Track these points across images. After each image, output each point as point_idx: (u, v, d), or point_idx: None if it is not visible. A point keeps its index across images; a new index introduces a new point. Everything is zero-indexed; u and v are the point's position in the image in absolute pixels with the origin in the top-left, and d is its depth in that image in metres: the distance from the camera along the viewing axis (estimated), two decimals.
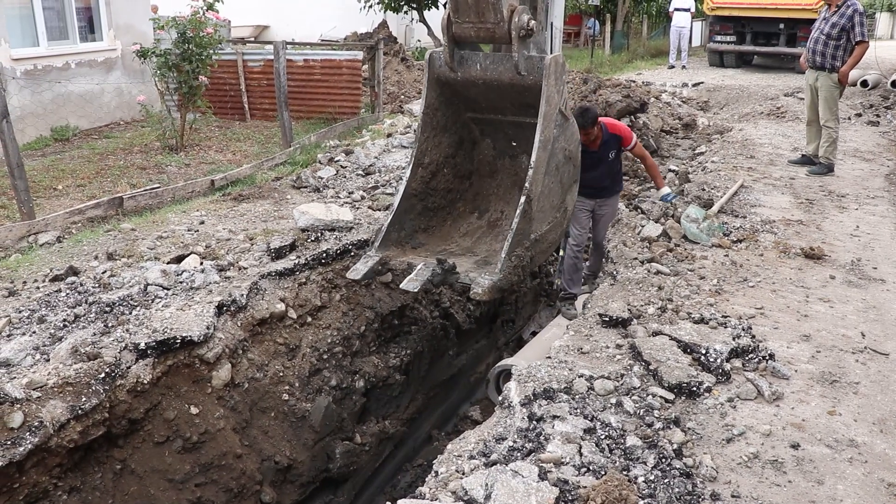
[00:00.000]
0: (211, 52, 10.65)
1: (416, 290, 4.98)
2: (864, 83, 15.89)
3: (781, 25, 19.09)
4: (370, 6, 20.85)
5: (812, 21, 16.88)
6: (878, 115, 12.79)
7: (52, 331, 4.50)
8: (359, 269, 5.20)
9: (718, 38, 20.46)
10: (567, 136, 5.28)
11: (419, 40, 24.46)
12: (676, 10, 21.01)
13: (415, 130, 5.63)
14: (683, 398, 3.76)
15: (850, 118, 12.33)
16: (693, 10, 21.22)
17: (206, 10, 10.44)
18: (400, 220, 5.50)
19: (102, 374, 4.07)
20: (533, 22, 4.80)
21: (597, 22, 29.63)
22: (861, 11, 8.16)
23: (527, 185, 4.97)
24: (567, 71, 5.35)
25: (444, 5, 5.25)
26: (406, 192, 5.48)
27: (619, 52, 26.10)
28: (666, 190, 6.53)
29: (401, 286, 5.04)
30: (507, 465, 3.03)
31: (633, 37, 30.57)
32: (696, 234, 6.04)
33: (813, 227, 6.54)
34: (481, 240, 5.85)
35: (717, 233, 6.14)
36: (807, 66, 8.72)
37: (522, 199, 4.97)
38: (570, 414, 3.47)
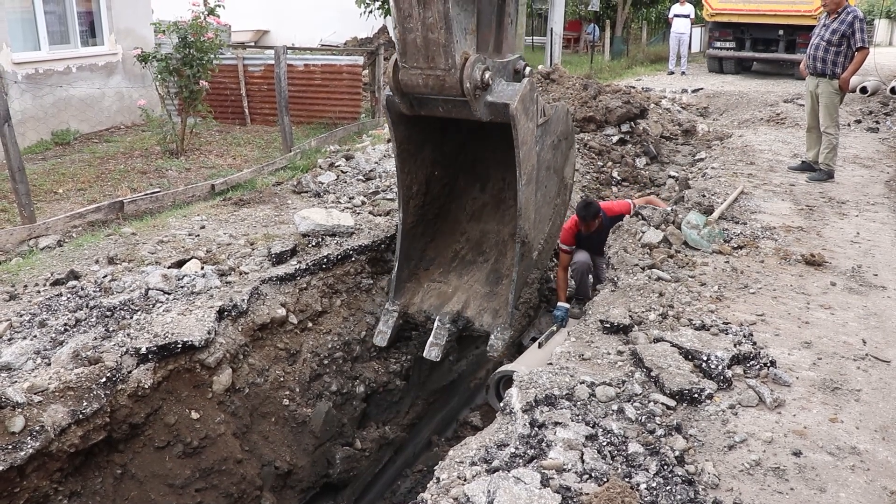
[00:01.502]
0: (212, 56, 10.68)
1: (437, 359, 5.10)
2: (864, 89, 15.92)
3: (780, 32, 19.18)
4: (370, 11, 20.91)
5: (811, 27, 16.96)
6: (877, 122, 12.82)
7: (53, 335, 4.50)
8: (384, 333, 5.31)
9: (718, 44, 20.54)
10: (551, 129, 5.07)
11: None
12: (676, 16, 21.08)
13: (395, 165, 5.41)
14: (685, 405, 3.76)
15: (849, 124, 12.35)
16: (693, 16, 21.29)
17: (208, 15, 10.47)
18: (406, 256, 5.41)
19: (103, 379, 4.07)
20: (488, 74, 4.36)
21: (596, 27, 29.69)
22: (861, 18, 8.19)
23: (518, 231, 4.88)
24: (537, 83, 5.01)
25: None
26: (404, 230, 5.31)
27: (618, 58, 26.17)
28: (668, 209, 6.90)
29: (424, 356, 5.19)
30: (509, 471, 3.02)
31: (633, 42, 30.67)
32: (697, 240, 6.05)
33: (813, 234, 6.55)
34: (488, 224, 5.70)
35: (718, 239, 6.15)
36: (807, 73, 8.74)
37: (518, 245, 4.91)
38: (572, 420, 3.47)
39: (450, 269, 5.51)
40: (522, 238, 4.90)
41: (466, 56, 4.27)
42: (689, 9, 21.09)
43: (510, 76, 4.68)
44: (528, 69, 4.74)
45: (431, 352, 5.13)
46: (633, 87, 14.39)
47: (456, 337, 5.18)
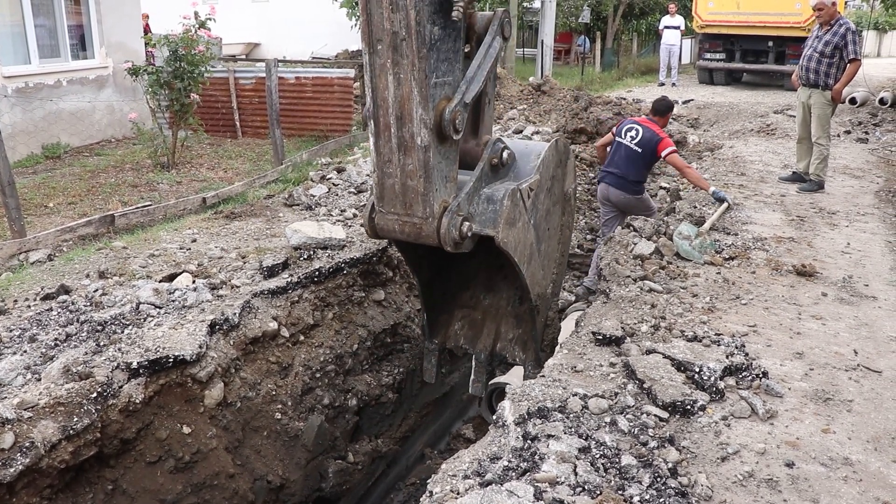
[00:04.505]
0: (203, 69, 10.69)
1: (482, 394, 5.37)
2: (853, 100, 16.03)
3: (770, 43, 19.32)
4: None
5: (800, 39, 17.07)
6: (866, 133, 12.91)
7: (44, 350, 4.47)
8: (429, 370, 5.54)
9: (708, 55, 20.68)
10: (544, 180, 4.99)
11: None
12: (666, 27, 21.22)
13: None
14: (678, 417, 3.75)
15: (839, 135, 12.43)
16: (683, 27, 21.43)
17: (198, 28, 10.49)
18: (430, 305, 5.47)
19: (94, 394, 4.05)
20: (467, 225, 4.25)
21: (587, 39, 29.85)
22: (853, 30, 8.26)
23: (532, 301, 5.02)
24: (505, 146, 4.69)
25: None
26: (422, 287, 5.38)
27: (609, 70, 26.30)
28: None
29: (470, 392, 5.48)
30: (502, 484, 3.01)
31: (624, 54, 30.84)
32: (689, 251, 6.05)
33: (804, 245, 6.57)
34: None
35: (710, 250, 6.16)
36: (799, 84, 8.79)
37: (532, 303, 5.06)
38: (565, 433, 3.46)
39: (476, 291, 5.53)
40: (535, 301, 5.05)
41: (445, 204, 4.19)
42: (679, 20, 21.23)
43: (489, 174, 4.59)
44: (505, 153, 4.61)
45: (476, 389, 5.33)
46: (624, 99, 14.49)
47: (493, 369, 5.47)
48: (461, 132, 4.15)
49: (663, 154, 7.38)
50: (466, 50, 4.33)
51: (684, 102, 17.15)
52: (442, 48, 3.98)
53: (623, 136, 7.57)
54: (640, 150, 7.43)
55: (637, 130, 7.52)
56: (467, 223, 4.28)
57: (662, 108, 7.93)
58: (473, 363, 5.35)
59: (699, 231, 6.37)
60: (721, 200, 7.35)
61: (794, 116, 10.20)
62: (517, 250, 4.65)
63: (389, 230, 4.42)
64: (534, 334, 5.16)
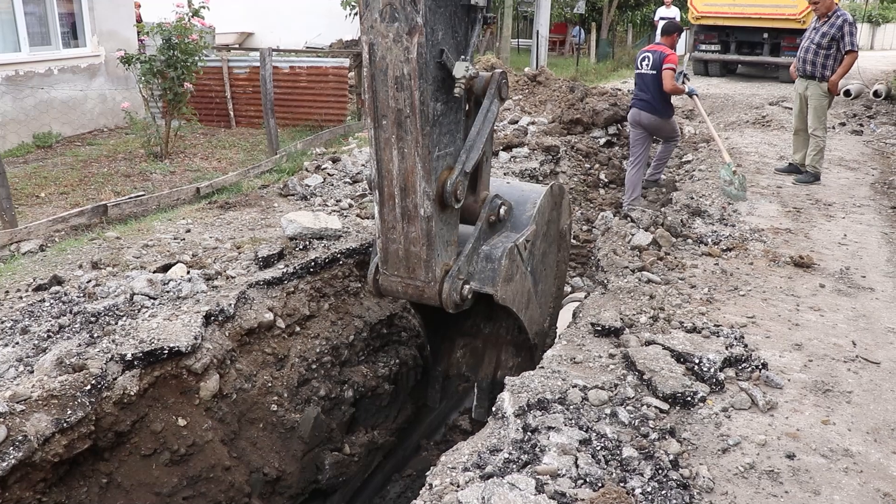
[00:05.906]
0: (196, 58, 10.61)
1: (484, 419, 5.35)
2: (847, 93, 16.04)
3: (765, 35, 19.31)
4: (355, 14, 20.86)
5: (795, 31, 17.07)
6: (861, 125, 12.91)
7: (36, 342, 4.42)
8: (433, 397, 5.88)
9: (703, 47, 20.67)
10: (540, 225, 5.10)
11: None
12: (661, 18, 21.18)
13: None
14: (678, 408, 3.74)
15: (834, 127, 12.43)
16: (678, 19, 21.38)
17: (192, 17, 10.41)
18: (431, 335, 5.58)
19: (88, 386, 4.00)
20: (467, 288, 4.45)
21: (582, 30, 29.79)
22: (850, 21, 8.28)
23: (530, 336, 5.17)
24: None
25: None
26: (426, 332, 5.63)
27: (604, 61, 26.27)
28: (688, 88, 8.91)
29: (473, 417, 5.78)
30: (503, 477, 2.99)
31: (619, 45, 30.79)
32: (738, 194, 6.72)
33: (801, 236, 6.56)
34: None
35: (745, 183, 7.07)
36: (797, 76, 8.79)
37: (532, 342, 5.20)
38: (565, 425, 3.44)
39: (476, 320, 5.69)
40: (534, 341, 5.24)
41: (447, 267, 4.37)
42: (674, 11, 21.21)
43: (487, 231, 4.73)
44: (502, 210, 4.73)
45: (479, 413, 5.53)
46: (620, 90, 14.45)
47: (495, 393, 5.53)
48: (462, 201, 4.30)
49: (662, 68, 8.55)
50: (465, 109, 4.45)
51: None
52: (444, 122, 4.09)
53: (640, 67, 8.77)
54: (654, 73, 8.63)
55: (648, 57, 8.74)
56: (467, 286, 4.48)
57: (671, 28, 9.16)
58: (475, 390, 5.46)
59: (732, 169, 6.91)
60: (692, 94, 8.99)
61: (790, 108, 10.19)
62: (515, 301, 4.84)
63: (393, 291, 4.63)
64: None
